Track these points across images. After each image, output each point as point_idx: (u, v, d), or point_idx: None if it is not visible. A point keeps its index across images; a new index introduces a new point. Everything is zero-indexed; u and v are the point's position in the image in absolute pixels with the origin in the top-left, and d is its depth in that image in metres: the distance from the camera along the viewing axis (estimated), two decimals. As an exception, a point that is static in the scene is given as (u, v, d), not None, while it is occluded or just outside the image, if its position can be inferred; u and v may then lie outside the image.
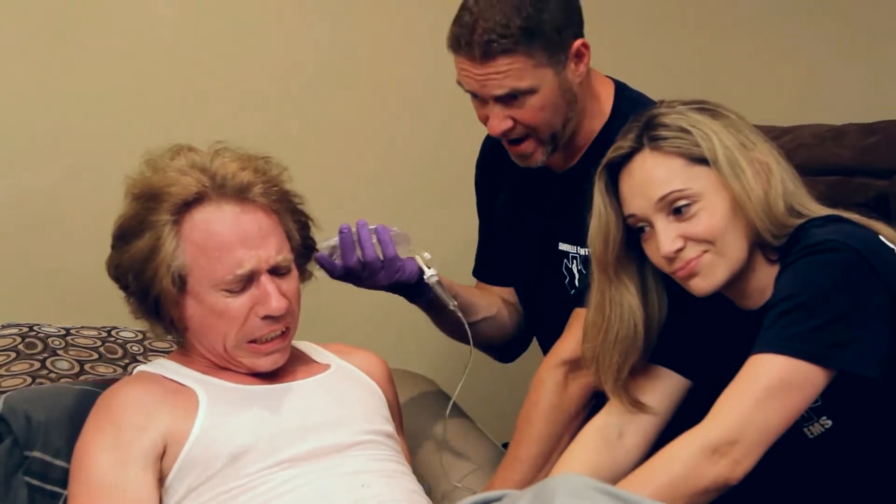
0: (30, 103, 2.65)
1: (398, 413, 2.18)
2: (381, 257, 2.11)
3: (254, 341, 1.97)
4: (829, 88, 3.23)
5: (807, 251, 1.76)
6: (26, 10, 2.63)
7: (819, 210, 1.85)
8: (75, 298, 2.58)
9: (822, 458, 1.87)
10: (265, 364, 1.99)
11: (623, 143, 1.86)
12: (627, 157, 1.85)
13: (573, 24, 2.10)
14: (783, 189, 1.82)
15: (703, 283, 1.82)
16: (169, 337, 2.06)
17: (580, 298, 2.13)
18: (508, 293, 2.42)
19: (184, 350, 2.06)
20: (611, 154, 1.87)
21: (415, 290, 2.19)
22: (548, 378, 2.14)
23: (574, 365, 2.12)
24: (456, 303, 2.17)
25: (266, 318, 1.95)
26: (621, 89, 2.24)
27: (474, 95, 2.12)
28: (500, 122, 2.10)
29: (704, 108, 1.85)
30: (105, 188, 2.52)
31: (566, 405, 2.13)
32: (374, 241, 2.12)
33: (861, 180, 2.42)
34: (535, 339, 2.47)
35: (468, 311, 2.27)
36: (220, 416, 1.94)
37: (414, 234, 2.17)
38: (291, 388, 2.02)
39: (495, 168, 2.36)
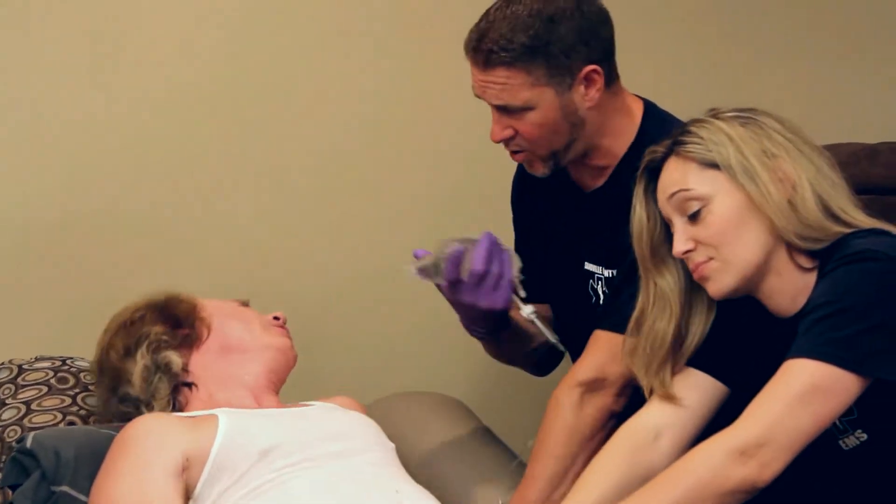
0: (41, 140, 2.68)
1: None
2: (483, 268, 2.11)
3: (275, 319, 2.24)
4: (861, 107, 3.22)
5: (846, 259, 1.75)
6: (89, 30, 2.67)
7: (864, 220, 1.83)
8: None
9: (856, 470, 1.85)
10: (287, 342, 2.22)
11: (657, 148, 1.91)
12: (662, 161, 1.90)
13: (589, 49, 2.11)
14: (814, 193, 1.81)
15: (714, 287, 1.85)
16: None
17: (601, 321, 2.16)
18: (543, 310, 2.39)
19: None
20: (647, 157, 1.93)
21: (499, 321, 2.22)
22: (564, 398, 2.14)
23: (590, 386, 2.12)
24: (557, 339, 2.19)
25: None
26: (650, 109, 2.24)
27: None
28: (501, 130, 2.15)
29: (740, 116, 1.87)
30: (148, 219, 2.58)
31: (581, 426, 2.12)
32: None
33: (894, 199, 2.41)
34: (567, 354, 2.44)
35: (527, 339, 2.30)
36: (243, 424, 2.00)
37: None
38: (301, 409, 2.16)
39: (531, 185, 2.36)
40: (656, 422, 1.93)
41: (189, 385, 2.14)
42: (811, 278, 1.83)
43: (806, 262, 1.83)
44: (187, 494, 1.93)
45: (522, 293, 2.14)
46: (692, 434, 1.92)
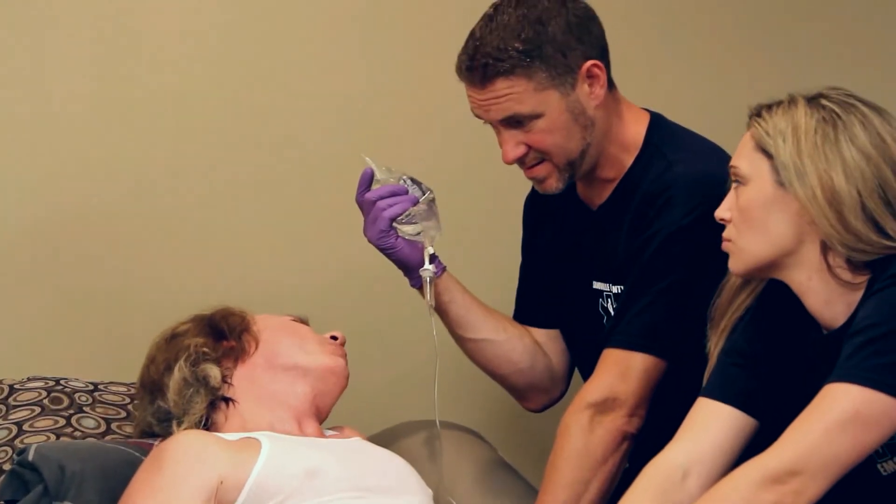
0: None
1: None
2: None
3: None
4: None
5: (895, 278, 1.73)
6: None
7: None
8: (103, 350, 2.56)
9: (894, 497, 1.82)
10: (342, 363, 2.15)
11: (752, 109, 1.90)
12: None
13: (583, 45, 2.10)
14: (862, 209, 1.77)
15: (731, 265, 1.87)
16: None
17: (609, 339, 2.12)
18: (542, 334, 2.38)
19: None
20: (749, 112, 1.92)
21: (410, 273, 2.22)
22: (573, 422, 2.08)
23: (601, 407, 2.07)
24: (433, 304, 2.18)
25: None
26: (656, 121, 2.23)
27: (490, 123, 2.15)
28: (513, 148, 2.12)
29: (828, 108, 1.82)
30: (149, 238, 2.55)
31: (592, 449, 2.06)
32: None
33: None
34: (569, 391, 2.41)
35: (465, 327, 2.27)
36: (286, 447, 1.96)
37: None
38: (345, 440, 2.13)
39: (540, 208, 2.35)
40: (683, 460, 1.87)
41: (228, 401, 2.08)
42: (856, 292, 1.80)
43: (848, 274, 1.80)
44: None
45: (429, 247, 2.16)
46: (721, 471, 1.86)
